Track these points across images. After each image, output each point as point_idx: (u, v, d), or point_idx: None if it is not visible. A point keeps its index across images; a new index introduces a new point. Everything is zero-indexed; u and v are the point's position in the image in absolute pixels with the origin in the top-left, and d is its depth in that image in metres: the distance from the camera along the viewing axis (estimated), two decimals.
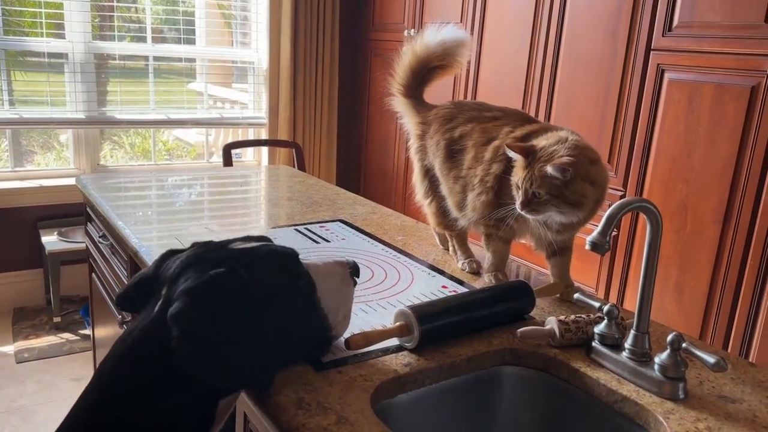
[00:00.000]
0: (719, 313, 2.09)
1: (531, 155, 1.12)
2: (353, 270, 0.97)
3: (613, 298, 2.41)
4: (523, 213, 1.13)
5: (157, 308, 0.79)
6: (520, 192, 1.12)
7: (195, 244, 0.90)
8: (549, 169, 1.07)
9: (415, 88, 1.50)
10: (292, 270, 0.88)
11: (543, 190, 1.09)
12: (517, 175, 1.13)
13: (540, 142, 1.15)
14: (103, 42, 3.39)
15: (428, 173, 1.44)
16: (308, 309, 0.89)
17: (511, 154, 1.15)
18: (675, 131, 2.20)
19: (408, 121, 1.53)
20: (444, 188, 1.38)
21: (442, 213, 1.41)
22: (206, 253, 0.85)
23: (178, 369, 0.74)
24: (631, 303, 2.28)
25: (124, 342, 0.80)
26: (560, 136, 1.14)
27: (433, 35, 1.44)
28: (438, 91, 3.24)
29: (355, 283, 0.97)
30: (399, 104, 1.54)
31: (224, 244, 0.89)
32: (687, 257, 2.16)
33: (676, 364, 0.90)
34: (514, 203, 1.15)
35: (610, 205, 0.92)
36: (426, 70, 1.48)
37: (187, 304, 0.75)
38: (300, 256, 0.91)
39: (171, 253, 0.89)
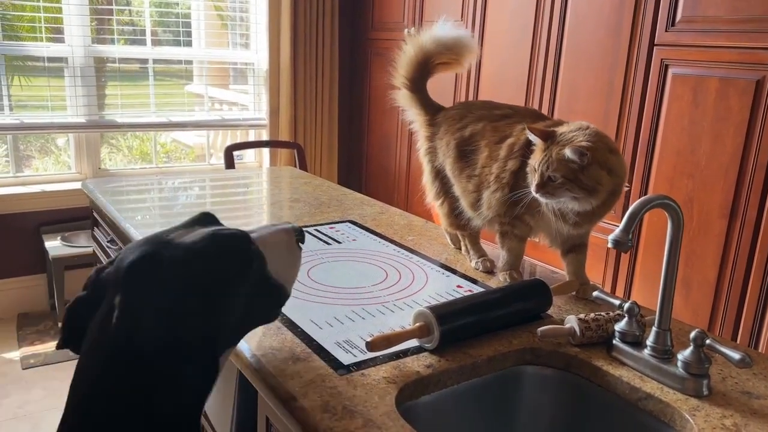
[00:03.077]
0: (727, 307, 2.10)
1: (550, 139, 1.12)
2: (298, 236, 0.94)
3: (619, 293, 2.42)
4: (537, 196, 1.13)
5: (115, 319, 0.74)
6: (536, 174, 1.12)
7: (127, 246, 0.84)
8: (567, 151, 1.08)
9: (419, 81, 1.49)
10: (243, 256, 0.84)
11: (559, 174, 1.09)
12: (535, 158, 1.14)
13: (560, 128, 1.15)
14: (102, 45, 3.37)
15: (439, 174, 1.44)
16: (261, 284, 0.87)
17: (531, 137, 1.16)
18: (679, 126, 2.20)
19: (414, 117, 1.52)
20: (457, 188, 1.37)
21: (455, 213, 1.41)
22: (139, 246, 0.80)
23: (119, 344, 0.71)
24: (638, 298, 2.28)
25: (89, 371, 0.74)
26: (581, 124, 1.14)
27: (445, 31, 1.43)
28: (439, 87, 3.24)
29: (300, 249, 0.95)
30: (403, 98, 1.53)
31: (163, 236, 0.82)
32: (693, 252, 2.17)
33: (699, 360, 0.90)
34: (528, 191, 1.15)
35: (626, 203, 0.91)
36: (431, 63, 1.47)
37: (127, 275, 0.74)
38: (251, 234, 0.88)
39: (100, 270, 0.83)
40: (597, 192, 1.11)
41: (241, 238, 0.84)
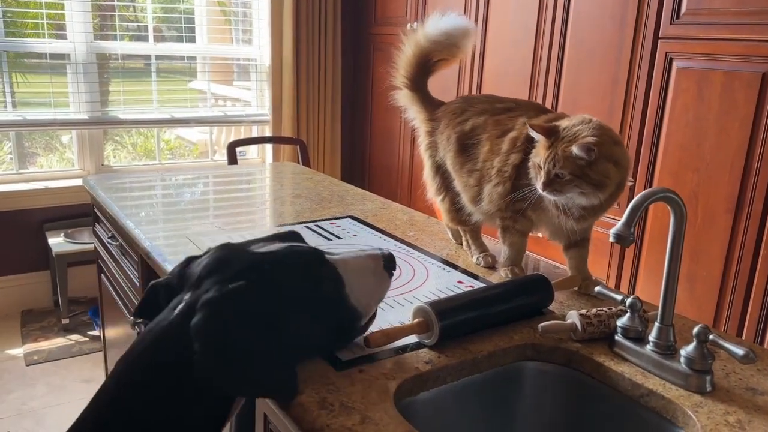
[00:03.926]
0: (732, 302, 2.08)
1: (554, 135, 1.11)
2: (387, 262, 0.93)
3: (623, 289, 2.40)
4: (544, 194, 1.12)
5: (177, 312, 0.78)
6: (542, 173, 1.10)
7: (217, 247, 0.88)
8: (574, 148, 1.06)
9: (419, 80, 1.48)
10: (315, 273, 0.86)
11: (566, 171, 1.08)
12: (539, 156, 1.12)
13: (563, 123, 1.13)
14: (105, 42, 3.37)
15: (440, 169, 1.43)
16: (334, 307, 0.88)
17: (534, 134, 1.14)
18: (684, 120, 2.18)
19: (415, 115, 1.50)
20: (457, 183, 1.36)
21: (456, 209, 1.39)
22: (228, 259, 0.83)
23: (200, 381, 0.73)
24: (643, 294, 2.26)
25: (140, 344, 0.79)
26: (583, 118, 1.13)
27: (435, 25, 1.41)
28: (442, 83, 3.23)
29: (391, 275, 0.94)
30: (404, 97, 1.51)
31: (245, 247, 0.88)
32: (698, 247, 2.15)
33: (702, 356, 0.88)
34: (533, 188, 1.14)
35: (630, 197, 0.90)
36: (430, 61, 1.46)
37: (209, 317, 0.74)
38: (327, 255, 0.90)
39: (191, 260, 0.88)
40: (605, 186, 1.09)
41: (312, 255, 0.87)
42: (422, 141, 1.47)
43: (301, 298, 0.83)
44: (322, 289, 0.86)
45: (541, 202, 1.18)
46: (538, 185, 1.12)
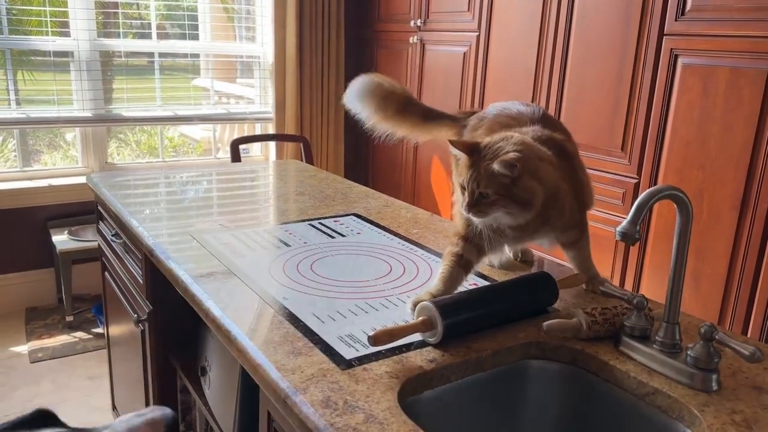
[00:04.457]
0: (737, 300, 2.07)
1: (475, 153, 1.05)
2: (170, 427, 0.73)
3: (628, 287, 2.39)
4: (469, 216, 1.05)
5: None
6: (466, 193, 1.04)
7: None
8: (495, 165, 1.00)
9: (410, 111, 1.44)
10: None
11: (491, 190, 1.02)
12: (462, 175, 1.05)
13: (485, 140, 1.07)
14: (108, 39, 3.37)
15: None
16: None
17: (454, 152, 1.07)
18: (689, 117, 2.17)
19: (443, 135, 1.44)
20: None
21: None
22: None
23: None
24: (647, 292, 2.25)
25: None
26: (505, 135, 1.07)
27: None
28: (446, 79, 3.21)
29: None
30: (424, 133, 1.46)
31: None
32: (703, 244, 2.14)
33: (709, 355, 0.88)
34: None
35: (635, 196, 0.89)
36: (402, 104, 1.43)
37: None
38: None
39: None
40: (531, 204, 1.04)
41: None
42: (453, 162, 1.44)
43: None
44: None
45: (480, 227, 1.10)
46: (462, 207, 1.05)
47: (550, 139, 1.11)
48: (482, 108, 1.44)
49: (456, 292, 1.09)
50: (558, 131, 1.19)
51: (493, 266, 1.34)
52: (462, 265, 1.11)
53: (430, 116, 1.44)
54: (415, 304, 1.05)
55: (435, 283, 1.11)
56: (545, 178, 1.05)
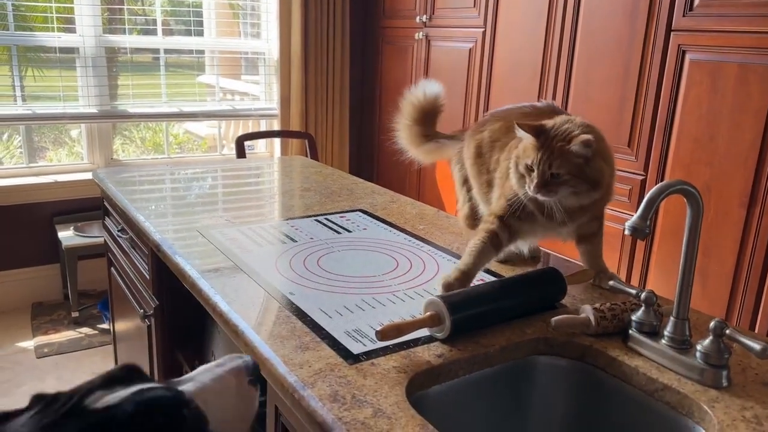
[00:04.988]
0: (745, 297, 2.06)
1: (543, 134, 1.07)
2: (252, 374, 0.74)
3: (634, 284, 2.38)
4: (537, 196, 1.07)
5: None
6: (535, 174, 1.06)
7: (39, 402, 0.62)
8: (574, 146, 1.03)
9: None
10: (174, 424, 0.63)
11: (564, 170, 1.04)
12: (529, 157, 1.07)
13: (548, 122, 1.09)
14: (114, 36, 3.37)
15: (466, 181, 1.42)
16: None
17: (521, 133, 1.10)
18: (697, 113, 2.15)
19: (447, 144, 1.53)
20: (475, 189, 1.35)
21: (473, 215, 1.39)
22: (55, 425, 0.60)
23: None
24: (653, 288, 2.24)
25: None
26: (566, 117, 1.11)
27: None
28: (451, 75, 3.20)
29: (258, 387, 0.75)
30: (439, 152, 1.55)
31: (78, 402, 0.62)
32: (710, 241, 2.13)
33: (719, 351, 0.87)
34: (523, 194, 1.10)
35: (641, 191, 0.89)
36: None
37: None
38: (181, 387, 0.68)
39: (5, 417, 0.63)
40: (599, 184, 1.07)
41: (169, 400, 0.64)
42: (452, 156, 1.48)
43: None
44: None
45: (527, 208, 1.13)
46: (530, 187, 1.07)
47: (587, 126, 1.11)
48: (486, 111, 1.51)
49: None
50: None
51: (500, 261, 1.34)
52: (494, 243, 1.14)
53: (429, 135, 1.55)
54: (444, 285, 1.09)
55: (464, 258, 1.13)
56: (610, 159, 1.10)
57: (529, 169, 1.08)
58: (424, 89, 1.53)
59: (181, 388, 0.68)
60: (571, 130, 1.06)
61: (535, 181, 1.06)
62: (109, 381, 0.66)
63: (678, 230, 2.23)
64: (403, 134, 1.57)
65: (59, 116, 3.27)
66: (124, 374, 0.67)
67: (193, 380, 0.70)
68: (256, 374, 0.75)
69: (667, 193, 0.87)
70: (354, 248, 1.41)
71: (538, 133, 1.07)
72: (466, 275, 1.11)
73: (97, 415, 0.60)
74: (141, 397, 0.62)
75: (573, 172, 1.05)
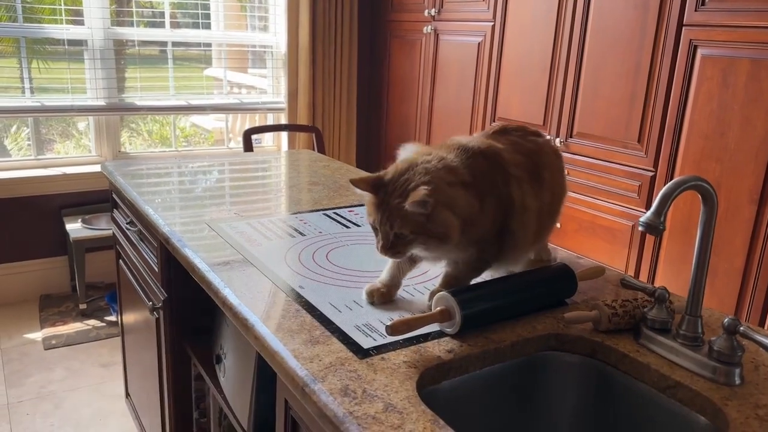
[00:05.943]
0: (754, 295, 2.05)
1: (381, 189, 0.98)
2: None
3: (643, 279, 2.37)
4: (386, 257, 1.01)
5: None
6: (380, 235, 0.99)
7: None
8: (408, 205, 0.93)
9: None
10: None
11: (407, 230, 0.96)
12: (371, 215, 0.99)
13: (389, 171, 1.00)
14: (122, 28, 3.37)
15: None
16: None
17: (359, 191, 1.01)
18: (708, 108, 2.14)
19: None
20: None
21: None
22: None
23: None
24: (663, 284, 2.23)
25: None
26: (411, 160, 1.00)
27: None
28: (459, 70, 3.18)
29: None
30: None
31: None
32: (720, 238, 2.11)
33: (732, 348, 0.87)
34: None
35: (651, 187, 0.88)
36: None
37: None
38: None
39: None
40: (449, 236, 0.97)
41: None
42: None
43: None
44: None
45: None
46: (378, 247, 1.00)
47: (428, 172, 0.98)
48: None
49: (474, 282, 1.08)
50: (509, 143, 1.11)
51: None
52: (410, 259, 1.09)
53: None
54: (433, 294, 1.04)
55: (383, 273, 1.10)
56: (458, 205, 0.97)
57: (375, 228, 1.01)
58: None
59: None
60: (409, 180, 0.96)
61: (381, 243, 0.99)
62: None
63: (688, 226, 2.21)
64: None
65: (67, 108, 3.28)
66: None
67: None
68: None
69: (682, 189, 0.86)
70: (363, 243, 1.40)
71: (376, 188, 0.98)
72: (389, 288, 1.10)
73: None
74: None
75: (416, 230, 0.96)
